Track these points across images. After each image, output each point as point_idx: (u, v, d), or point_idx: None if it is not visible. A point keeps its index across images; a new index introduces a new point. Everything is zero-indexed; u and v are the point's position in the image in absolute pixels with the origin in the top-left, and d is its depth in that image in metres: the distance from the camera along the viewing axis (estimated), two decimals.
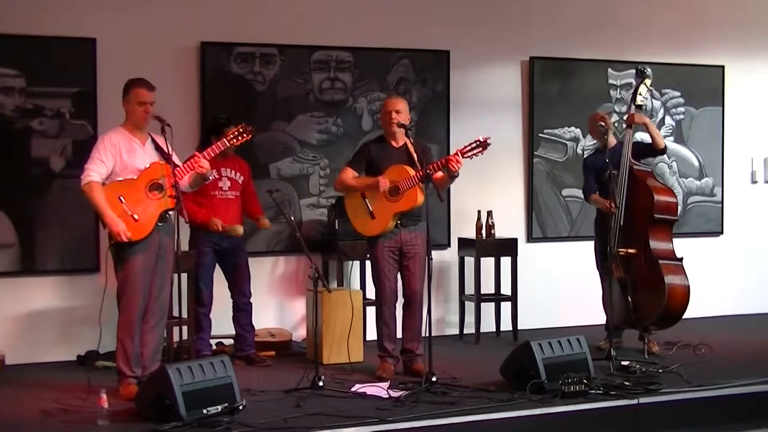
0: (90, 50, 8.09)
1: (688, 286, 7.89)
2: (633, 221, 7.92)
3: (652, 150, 8.21)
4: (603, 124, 8.15)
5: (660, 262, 7.84)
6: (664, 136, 9.64)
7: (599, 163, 8.01)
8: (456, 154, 7.06)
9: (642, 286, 7.93)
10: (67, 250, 8.11)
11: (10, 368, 7.75)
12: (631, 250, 7.91)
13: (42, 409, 6.43)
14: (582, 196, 8.99)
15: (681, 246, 8.07)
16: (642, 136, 8.36)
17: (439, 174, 7.14)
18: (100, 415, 5.92)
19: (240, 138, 6.88)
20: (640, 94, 8.13)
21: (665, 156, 9.22)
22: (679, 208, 8.52)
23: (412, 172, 7.17)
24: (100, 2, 8.16)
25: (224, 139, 6.90)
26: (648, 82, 8.17)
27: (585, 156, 8.94)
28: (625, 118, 8.29)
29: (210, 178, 7.03)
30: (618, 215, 7.86)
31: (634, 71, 9.56)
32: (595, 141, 8.52)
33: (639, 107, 8.17)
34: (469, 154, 7.07)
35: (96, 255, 8.06)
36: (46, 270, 8.09)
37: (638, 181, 7.95)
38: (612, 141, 8.15)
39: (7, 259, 7.97)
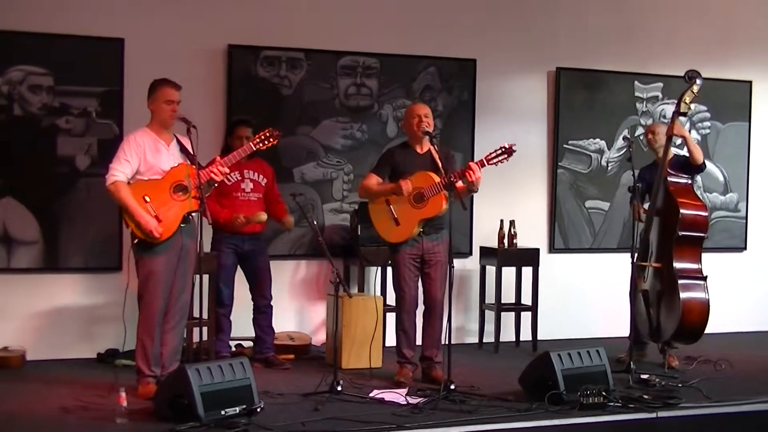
0: (118, 50, 8.14)
1: (707, 305, 7.80)
2: (662, 235, 7.87)
3: (690, 166, 8.02)
4: (651, 136, 8.09)
5: (679, 279, 7.75)
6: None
7: (648, 176, 7.96)
8: (478, 162, 7.06)
9: (662, 301, 7.88)
10: (90, 248, 8.15)
11: (31, 364, 7.80)
12: (655, 264, 7.86)
13: (61, 405, 6.46)
14: (605, 209, 9.09)
15: (704, 261, 7.99)
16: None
17: (460, 183, 7.13)
18: (118, 413, 5.94)
19: (266, 143, 6.91)
20: (684, 101, 7.79)
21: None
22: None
23: (437, 178, 7.17)
24: (128, 3, 8.21)
25: (250, 144, 6.93)
26: (696, 88, 7.76)
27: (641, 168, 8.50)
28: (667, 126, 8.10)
29: (215, 184, 6.97)
30: (649, 227, 7.79)
31: (661, 84, 9.60)
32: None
33: (683, 114, 7.90)
34: (495, 161, 7.08)
35: (119, 254, 8.10)
36: (69, 267, 8.13)
37: (669, 195, 7.86)
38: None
39: (31, 255, 8.02)
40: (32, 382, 7.20)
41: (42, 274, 8.07)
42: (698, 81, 7.80)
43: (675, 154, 8.01)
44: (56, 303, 8.13)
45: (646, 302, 7.92)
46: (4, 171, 7.94)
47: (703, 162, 8.05)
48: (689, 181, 8.07)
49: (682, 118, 8.07)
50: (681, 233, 7.80)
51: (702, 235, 7.94)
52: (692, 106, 7.98)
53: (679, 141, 8.16)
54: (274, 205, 8.04)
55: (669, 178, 7.89)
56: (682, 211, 7.79)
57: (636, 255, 7.87)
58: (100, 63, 8.12)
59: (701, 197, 9.75)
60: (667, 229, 7.85)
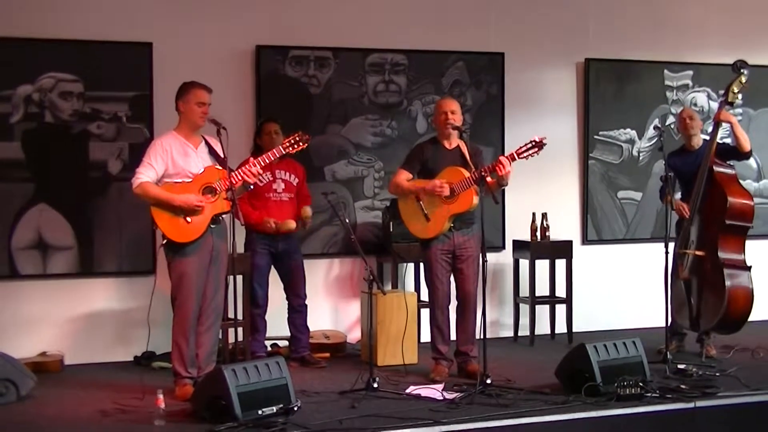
0: (147, 55, 8.18)
1: (752, 294, 7.73)
2: (706, 223, 7.78)
3: (737, 153, 7.98)
4: (689, 121, 8.05)
5: (725, 269, 7.66)
6: (722, 138, 9.52)
7: (678, 163, 7.91)
8: (508, 156, 7.03)
9: (705, 290, 7.80)
10: (124, 252, 8.20)
11: (69, 368, 7.87)
12: (699, 252, 7.79)
13: (100, 408, 6.51)
14: (638, 199, 9.03)
15: None
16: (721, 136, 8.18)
17: (490, 178, 7.10)
18: (156, 416, 5.97)
19: (295, 147, 6.88)
20: (732, 91, 7.82)
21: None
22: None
23: (466, 173, 7.15)
24: (156, 7, 8.26)
25: (280, 147, 6.91)
26: (743, 78, 7.80)
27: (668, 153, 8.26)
28: (713, 114, 8.06)
29: (250, 187, 6.95)
30: (692, 215, 7.74)
31: (691, 72, 9.53)
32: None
33: (730, 104, 7.89)
34: (525, 154, 7.03)
35: (153, 257, 8.14)
36: (104, 272, 8.19)
37: (716, 183, 7.76)
38: (698, 142, 8.04)
39: (66, 261, 8.08)
40: (71, 386, 7.25)
41: (77, 279, 8.13)
42: (745, 71, 7.80)
43: (717, 142, 7.92)
44: (92, 307, 8.19)
45: (687, 290, 7.86)
46: (38, 177, 8.00)
47: (750, 149, 7.96)
48: (734, 171, 7.94)
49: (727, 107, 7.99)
50: (728, 222, 7.71)
51: (748, 225, 7.85)
52: (739, 96, 7.97)
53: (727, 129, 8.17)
54: (302, 202, 8.04)
55: (715, 167, 7.80)
56: (730, 199, 7.69)
57: (676, 243, 7.84)
58: (129, 68, 8.16)
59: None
60: (711, 217, 7.76)
